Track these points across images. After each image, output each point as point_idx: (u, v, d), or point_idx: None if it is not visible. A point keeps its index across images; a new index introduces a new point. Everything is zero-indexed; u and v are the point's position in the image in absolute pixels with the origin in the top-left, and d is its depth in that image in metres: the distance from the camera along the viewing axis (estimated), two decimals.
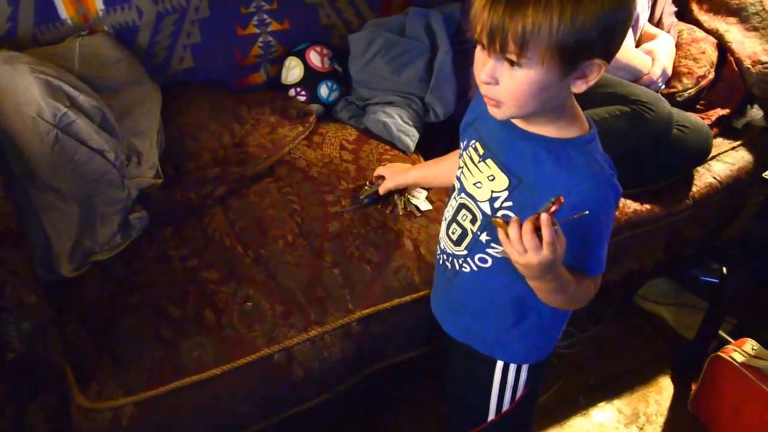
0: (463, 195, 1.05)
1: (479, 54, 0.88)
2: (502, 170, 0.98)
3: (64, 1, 1.50)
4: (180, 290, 1.30)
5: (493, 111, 0.91)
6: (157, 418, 1.16)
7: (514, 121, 0.96)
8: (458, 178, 1.07)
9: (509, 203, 0.97)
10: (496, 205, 0.99)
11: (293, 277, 1.34)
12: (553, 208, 0.80)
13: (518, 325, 1.10)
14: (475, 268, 1.07)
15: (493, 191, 0.99)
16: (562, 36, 0.80)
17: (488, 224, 1.01)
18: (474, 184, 1.02)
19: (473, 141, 1.04)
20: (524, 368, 1.15)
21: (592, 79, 0.86)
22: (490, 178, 0.99)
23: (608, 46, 0.85)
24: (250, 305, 1.29)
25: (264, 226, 1.43)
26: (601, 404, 1.82)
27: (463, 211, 1.05)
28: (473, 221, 1.04)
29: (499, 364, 1.15)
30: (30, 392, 1.09)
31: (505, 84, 0.86)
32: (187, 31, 1.64)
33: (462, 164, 1.06)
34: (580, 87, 0.87)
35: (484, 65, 0.87)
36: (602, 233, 0.95)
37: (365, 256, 1.38)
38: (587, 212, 0.84)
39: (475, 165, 1.02)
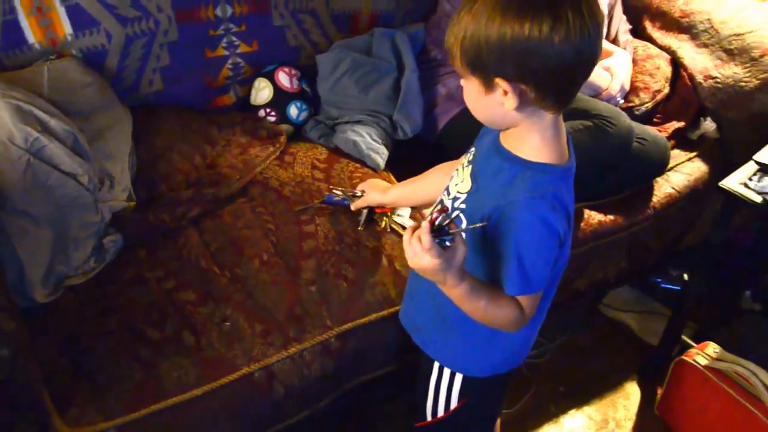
0: (445, 192, 1.11)
1: None
2: (470, 176, 1.05)
3: (32, 26, 1.50)
4: (157, 312, 1.31)
5: None
6: None
7: (500, 136, 1.01)
8: (451, 178, 1.13)
9: (463, 206, 1.04)
10: (456, 204, 1.05)
11: (270, 295, 1.36)
12: (435, 216, 0.89)
13: (449, 329, 1.14)
14: None
15: (458, 192, 1.06)
16: (463, 51, 0.91)
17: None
18: (454, 184, 1.09)
19: (472, 148, 1.11)
20: (458, 378, 1.19)
21: (510, 99, 0.91)
22: (462, 180, 1.07)
23: (520, 70, 0.89)
24: (228, 325, 1.29)
25: (239, 246, 1.44)
26: (572, 411, 1.87)
27: (439, 206, 1.10)
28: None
29: (436, 364, 1.20)
30: (8, 421, 1.08)
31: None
32: (156, 54, 1.65)
33: (458, 168, 1.12)
34: (509, 105, 0.92)
35: None
36: (522, 254, 0.95)
37: (341, 272, 1.40)
38: (486, 223, 0.94)
39: (462, 168, 1.09)
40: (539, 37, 0.85)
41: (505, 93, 0.91)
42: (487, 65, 0.90)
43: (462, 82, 0.97)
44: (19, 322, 1.07)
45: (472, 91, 0.95)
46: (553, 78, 0.89)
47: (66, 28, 1.53)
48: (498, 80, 0.90)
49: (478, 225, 0.94)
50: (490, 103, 0.94)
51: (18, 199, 1.28)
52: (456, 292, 0.95)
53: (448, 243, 0.90)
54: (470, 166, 1.07)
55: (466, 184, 1.05)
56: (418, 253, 0.90)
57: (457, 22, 0.91)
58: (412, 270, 1.21)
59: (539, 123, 0.95)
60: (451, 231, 0.90)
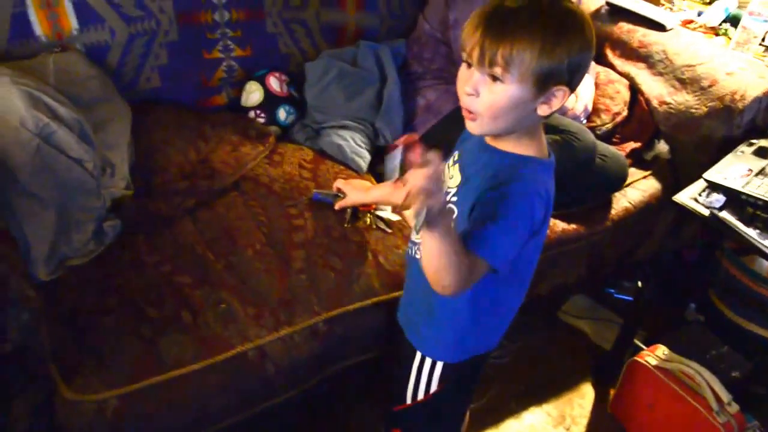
0: None
1: (463, 72, 1.04)
2: (459, 171, 1.15)
3: (40, 19, 1.57)
4: (156, 293, 1.37)
5: (470, 125, 1.06)
6: (140, 411, 1.23)
7: (486, 139, 1.11)
8: None
9: (455, 198, 1.13)
10: (447, 198, 1.13)
11: (263, 282, 1.44)
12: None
13: (436, 322, 1.23)
14: None
15: (448, 187, 1.14)
16: (541, 62, 0.97)
17: None
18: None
19: (456, 152, 1.20)
20: (439, 365, 1.27)
21: (555, 105, 1.03)
22: (451, 177, 1.15)
23: (573, 79, 1.02)
24: (224, 306, 1.37)
25: (233, 236, 1.52)
26: (532, 408, 1.98)
27: None
28: None
29: (418, 354, 1.28)
30: (19, 386, 1.14)
31: (484, 97, 1.02)
32: (155, 53, 1.73)
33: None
34: (545, 111, 1.03)
35: (467, 80, 1.02)
36: (506, 222, 1.00)
37: (329, 263, 1.50)
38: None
39: (449, 168, 1.18)
40: (591, 47, 1.01)
41: (555, 99, 1.02)
42: (559, 74, 0.99)
43: (493, 87, 1.00)
44: (37, 292, 1.12)
45: (512, 97, 1.00)
46: (580, 80, 1.04)
47: (72, 23, 1.61)
48: (557, 87, 1.01)
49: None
50: (528, 108, 1.02)
51: (27, 181, 1.34)
52: (445, 223, 0.94)
53: None
54: (456, 165, 1.17)
55: (456, 179, 1.15)
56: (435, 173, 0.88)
57: (519, 35, 0.96)
58: (407, 272, 1.33)
59: (539, 124, 1.08)
60: None
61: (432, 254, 0.97)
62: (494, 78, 1.00)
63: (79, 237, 1.42)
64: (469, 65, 1.02)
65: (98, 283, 1.38)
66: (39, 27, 1.58)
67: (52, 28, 1.59)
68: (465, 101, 1.04)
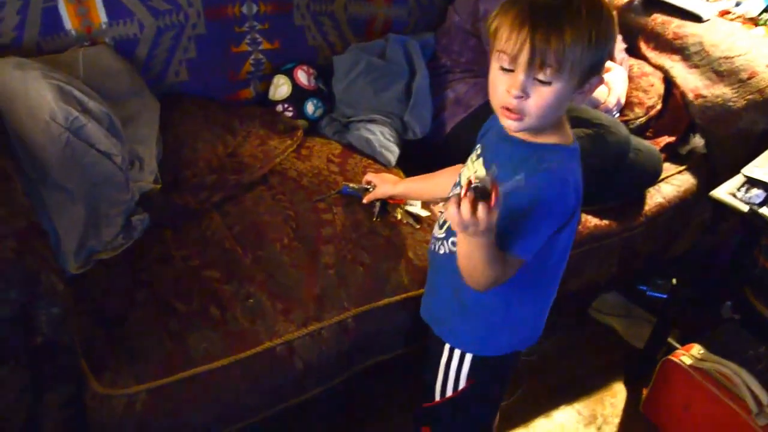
0: (455, 187, 1.19)
1: (500, 74, 1.00)
2: (484, 164, 1.12)
3: (70, 13, 1.57)
4: (184, 287, 1.37)
5: (511, 124, 1.03)
6: (168, 406, 1.22)
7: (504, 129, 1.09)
8: (459, 175, 1.20)
9: None
10: None
11: (291, 277, 1.43)
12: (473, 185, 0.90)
13: (465, 314, 1.21)
14: (448, 251, 1.19)
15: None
16: (589, 57, 0.95)
17: None
18: (466, 177, 1.14)
19: (479, 146, 1.18)
20: (467, 358, 1.25)
21: (590, 94, 1.00)
22: (476, 171, 1.14)
23: (604, 65, 1.00)
24: (252, 302, 1.36)
25: (261, 230, 1.51)
26: (562, 406, 1.95)
27: None
28: None
29: (447, 346, 1.26)
30: (49, 380, 1.14)
31: (533, 98, 0.99)
32: (184, 46, 1.73)
33: (467, 162, 1.20)
34: (581, 101, 1.01)
35: (510, 83, 0.99)
36: (538, 221, 1.01)
37: (358, 258, 1.48)
38: (521, 179, 0.93)
39: (472, 162, 1.17)
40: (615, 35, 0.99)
41: (592, 88, 1.01)
42: (601, 65, 0.99)
43: (541, 87, 0.98)
44: (67, 286, 1.12)
45: (560, 95, 0.98)
46: None
47: (102, 16, 1.61)
48: (595, 77, 1.00)
49: (518, 178, 0.94)
50: (567, 101, 1.01)
51: (57, 175, 1.34)
52: (483, 240, 0.97)
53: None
54: (480, 158, 1.15)
55: (481, 172, 1.13)
56: (482, 219, 0.90)
57: (568, 33, 0.93)
58: (430, 267, 1.31)
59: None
60: (490, 191, 0.90)
61: (468, 254, 0.99)
62: (543, 81, 0.97)
63: (108, 231, 1.42)
64: (509, 70, 0.99)
65: (127, 277, 1.38)
66: (69, 21, 1.59)
67: (82, 22, 1.60)
68: (511, 103, 1.00)
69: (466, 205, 0.90)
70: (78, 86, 1.42)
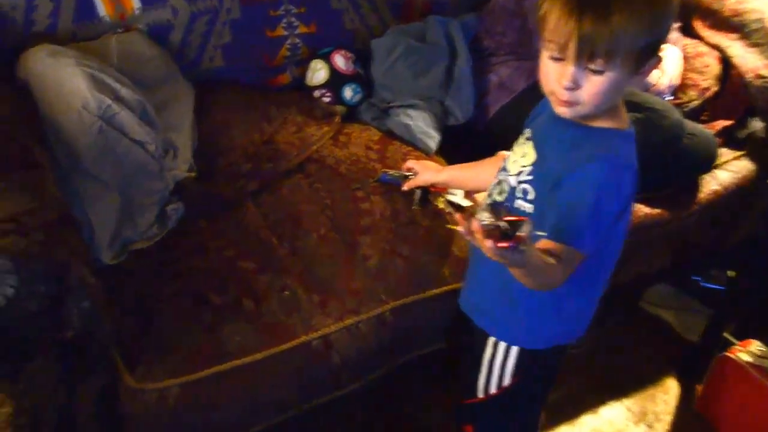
0: (502, 172, 1.13)
1: (550, 62, 0.96)
2: (533, 148, 1.07)
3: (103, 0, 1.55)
4: (219, 279, 1.34)
5: (564, 110, 0.99)
6: (202, 400, 1.19)
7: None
8: (506, 160, 1.15)
9: (530, 177, 1.06)
10: (521, 178, 1.07)
11: (328, 268, 1.38)
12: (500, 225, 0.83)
13: (512, 305, 1.16)
14: None
15: (522, 166, 1.08)
16: (643, 40, 0.90)
17: (510, 197, 1.09)
18: (513, 161, 1.11)
19: (527, 129, 1.13)
20: (513, 352, 1.20)
21: (648, 74, 0.94)
22: (524, 155, 1.09)
23: (662, 45, 0.94)
24: (288, 294, 1.32)
25: (297, 220, 1.47)
26: (610, 402, 1.88)
27: (498, 186, 1.13)
28: (501, 193, 1.12)
29: (491, 340, 1.21)
30: (82, 373, 1.12)
31: (587, 87, 0.95)
32: (218, 32, 1.69)
33: (513, 147, 1.14)
34: (639, 82, 0.95)
35: (560, 73, 0.95)
36: (597, 212, 0.97)
37: (396, 250, 1.43)
38: (545, 233, 0.93)
39: (520, 146, 1.11)
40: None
41: (650, 69, 0.96)
42: (658, 45, 0.95)
43: (591, 79, 0.94)
44: (98, 279, 1.10)
45: (615, 81, 0.94)
46: None
47: (135, 2, 1.59)
48: (653, 58, 0.95)
49: (540, 233, 0.91)
50: (623, 86, 0.97)
51: (90, 164, 1.33)
52: (515, 268, 0.96)
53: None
54: (530, 142, 1.09)
55: (530, 157, 1.07)
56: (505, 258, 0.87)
57: (610, 20, 0.89)
58: (473, 257, 1.26)
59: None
60: (519, 237, 0.83)
61: (511, 270, 0.97)
62: (595, 71, 0.93)
63: (143, 220, 1.40)
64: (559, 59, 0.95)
65: (161, 268, 1.36)
66: (103, 8, 1.56)
67: (116, 9, 1.57)
68: (563, 94, 0.97)
69: (487, 245, 0.84)
70: (111, 73, 1.40)
